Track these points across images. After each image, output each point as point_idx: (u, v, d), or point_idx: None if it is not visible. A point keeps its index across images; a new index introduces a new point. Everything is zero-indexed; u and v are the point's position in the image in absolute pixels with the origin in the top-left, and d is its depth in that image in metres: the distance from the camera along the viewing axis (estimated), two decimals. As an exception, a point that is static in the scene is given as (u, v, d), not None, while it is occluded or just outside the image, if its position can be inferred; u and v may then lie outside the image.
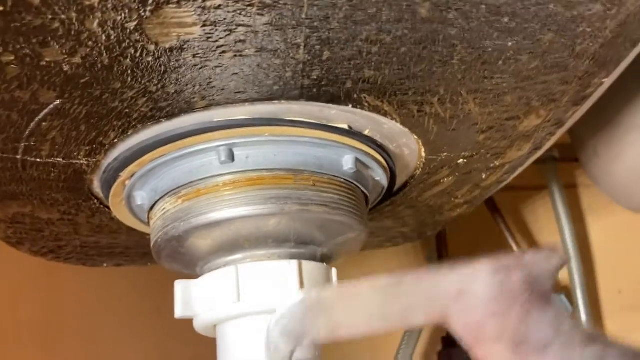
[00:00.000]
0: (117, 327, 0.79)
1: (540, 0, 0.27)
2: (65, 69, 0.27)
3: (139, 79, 0.28)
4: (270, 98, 0.31)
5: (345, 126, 0.34)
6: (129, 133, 0.32)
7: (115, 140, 0.33)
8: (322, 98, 0.31)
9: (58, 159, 0.34)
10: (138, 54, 0.26)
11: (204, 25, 0.25)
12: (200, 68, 0.28)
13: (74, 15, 0.24)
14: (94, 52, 0.26)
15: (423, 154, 0.39)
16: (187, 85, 0.29)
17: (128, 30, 0.25)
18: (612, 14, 0.28)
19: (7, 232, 0.44)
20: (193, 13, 0.25)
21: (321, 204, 0.34)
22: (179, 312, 0.35)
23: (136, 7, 0.24)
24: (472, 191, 0.48)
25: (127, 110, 0.30)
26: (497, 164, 0.43)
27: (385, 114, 0.34)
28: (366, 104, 0.32)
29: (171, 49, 0.26)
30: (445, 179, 0.44)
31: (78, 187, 0.38)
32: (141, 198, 0.36)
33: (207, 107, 0.31)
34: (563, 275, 0.90)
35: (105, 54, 0.26)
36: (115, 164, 0.34)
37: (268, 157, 0.33)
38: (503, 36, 0.29)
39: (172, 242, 0.34)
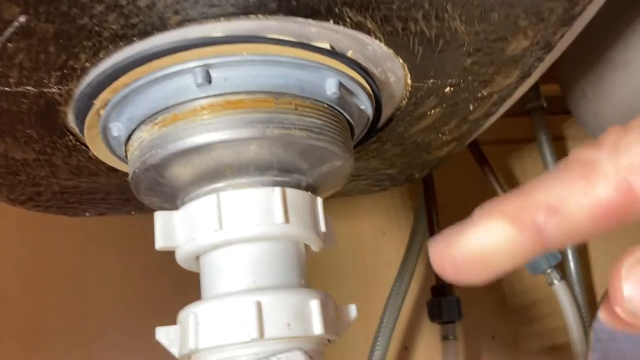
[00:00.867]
0: (104, 288, 0.78)
1: None
2: (26, -24, 0.25)
3: (107, -11, 0.26)
4: (246, 12, 0.29)
5: (327, 46, 0.33)
6: (100, 55, 0.31)
7: (87, 64, 0.31)
8: (301, 12, 0.30)
9: (28, 87, 0.33)
10: (103, -43, 0.25)
11: None
12: (171, -24, 0.26)
13: None
14: (56, -46, 0.24)
15: (409, 81, 0.38)
16: (158, -4, 0.27)
17: None
18: None
19: (-18, 176, 0.43)
20: None
21: (304, 128, 0.33)
22: (159, 243, 0.34)
23: None
24: (460, 126, 0.47)
25: (97, 28, 0.29)
26: (485, 93, 0.42)
27: (368, 32, 0.32)
28: (348, 20, 0.31)
29: (139, -48, 0.25)
30: (432, 111, 0.43)
31: (51, 120, 0.36)
32: (117, 129, 0.35)
33: (181, 24, 0.30)
34: (552, 226, 0.90)
35: (68, -43, 0.24)
36: (88, 90, 0.33)
37: (247, 79, 0.32)
38: (489, -63, 0.27)
39: (151, 171, 0.33)
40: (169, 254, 0.78)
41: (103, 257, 0.79)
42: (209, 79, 0.31)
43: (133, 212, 0.54)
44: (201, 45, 0.31)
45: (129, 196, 0.50)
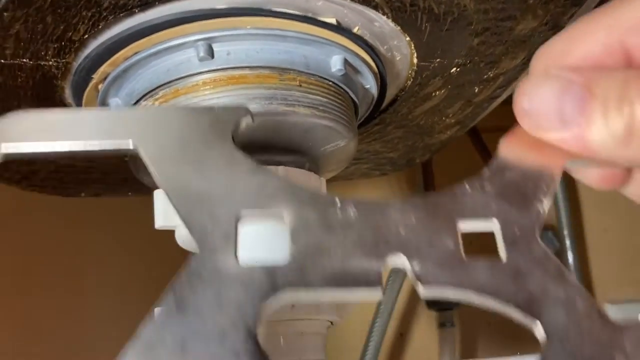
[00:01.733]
0: (100, 274, 0.77)
1: None
2: (24, -62, 0.24)
3: (108, -45, 0.25)
4: (252, -17, 0.28)
5: (334, 21, 0.32)
6: (99, 26, 0.30)
7: (86, 36, 0.30)
8: (308, -16, 0.29)
9: (24, 60, 0.32)
10: None
11: None
12: (175, -58, 0.26)
13: None
14: None
15: (415, 60, 0.37)
16: (160, -36, 0.27)
17: None
18: None
19: (-24, 153, 0.42)
20: None
21: (308, 105, 0.32)
22: (159, 222, 0.33)
23: None
24: (464, 109, 0.46)
25: (96, -3, 0.28)
26: (491, 75, 0.41)
27: (376, 7, 0.31)
28: (356, -7, 0.30)
29: None
30: (437, 92, 0.42)
31: (48, 95, 0.35)
32: (116, 105, 0.34)
33: (183, -5, 0.29)
34: (550, 214, 0.90)
35: None
36: (87, 64, 0.32)
37: (250, 54, 0.31)
38: None
39: (151, 148, 0.32)
40: (166, 239, 0.77)
41: (99, 241, 0.78)
42: (211, 53, 0.31)
43: (130, 194, 0.53)
44: (204, 17, 0.30)
45: (126, 175, 0.49)
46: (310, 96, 0.32)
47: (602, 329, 0.19)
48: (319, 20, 0.31)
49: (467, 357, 0.85)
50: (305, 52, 0.32)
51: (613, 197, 0.95)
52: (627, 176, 0.26)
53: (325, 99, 0.33)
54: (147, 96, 0.32)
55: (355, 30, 0.33)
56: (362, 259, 0.20)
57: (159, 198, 0.33)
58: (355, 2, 0.31)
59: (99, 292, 0.76)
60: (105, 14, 0.29)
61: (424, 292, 0.20)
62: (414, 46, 0.36)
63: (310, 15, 0.31)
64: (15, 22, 0.29)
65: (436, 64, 0.38)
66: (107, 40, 0.30)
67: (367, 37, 0.34)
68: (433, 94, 0.42)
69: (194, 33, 0.30)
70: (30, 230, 0.75)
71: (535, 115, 0.21)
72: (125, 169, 0.46)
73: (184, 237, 0.34)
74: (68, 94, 0.35)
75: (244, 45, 0.31)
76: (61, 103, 0.36)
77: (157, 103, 0.32)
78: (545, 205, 0.22)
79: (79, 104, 0.35)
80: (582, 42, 0.21)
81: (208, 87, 0.31)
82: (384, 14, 0.32)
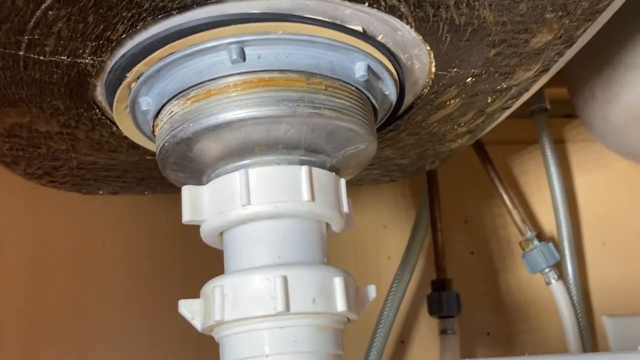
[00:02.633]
0: (107, 270, 0.78)
1: None
2: (77, -59, 0.25)
3: (154, -41, 0.27)
4: (286, -10, 0.30)
5: (360, 28, 0.33)
6: (138, 27, 0.31)
7: (123, 36, 0.32)
8: (339, -7, 0.30)
9: (62, 57, 0.33)
10: None
11: None
12: (218, -51, 0.27)
13: None
14: None
15: (433, 69, 0.39)
16: (202, -30, 0.28)
17: None
18: None
19: (3, 148, 0.43)
20: None
21: (333, 108, 0.33)
22: (186, 216, 0.34)
23: None
24: (476, 118, 0.47)
25: (137, -1, 0.29)
26: (504, 85, 0.43)
27: (400, 16, 0.33)
28: (383, 3, 0.32)
29: None
30: (452, 101, 0.43)
31: (80, 92, 0.36)
32: (146, 103, 0.35)
33: (220, 0, 0.30)
34: (550, 227, 0.91)
35: None
36: (123, 62, 0.33)
37: (280, 58, 0.32)
38: None
39: (180, 145, 0.33)
40: (174, 239, 0.78)
41: (107, 240, 0.79)
42: (243, 56, 0.32)
43: (146, 192, 0.54)
44: (238, 21, 0.31)
45: (144, 175, 0.50)
46: (335, 100, 0.34)
47: None
48: (346, 28, 0.33)
49: (466, 365, 0.85)
50: (331, 57, 0.34)
51: (612, 212, 0.97)
52: None
53: (348, 103, 0.34)
54: (179, 95, 0.34)
55: (379, 38, 0.35)
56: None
57: (187, 193, 0.34)
58: (382, 11, 0.32)
59: (106, 287, 0.77)
60: (144, 15, 0.30)
61: None
62: (434, 55, 0.37)
63: (338, 22, 0.33)
64: (58, 21, 0.30)
65: (453, 74, 0.40)
66: (144, 41, 0.32)
67: (390, 45, 0.35)
68: (448, 102, 0.44)
69: (228, 36, 0.32)
70: (41, 226, 0.76)
71: None
72: (145, 167, 0.47)
73: (209, 232, 0.35)
74: (100, 91, 0.37)
75: (274, 49, 0.32)
76: (92, 100, 0.37)
77: (188, 102, 0.33)
78: None
79: (110, 102, 0.36)
80: None
81: (239, 88, 0.32)
82: (407, 23, 0.34)
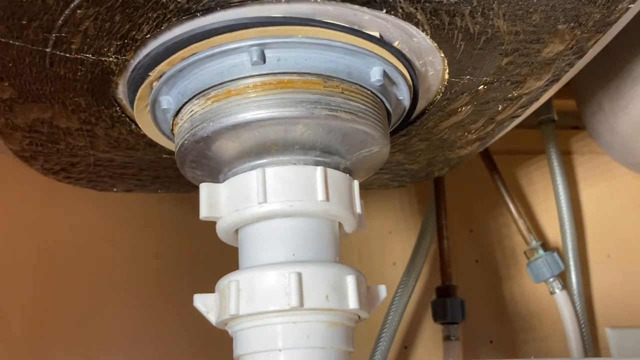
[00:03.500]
0: (115, 268, 0.79)
1: None
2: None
3: (182, -38, 0.28)
4: (307, -6, 0.31)
5: (377, 34, 0.34)
6: (162, 27, 0.32)
7: (148, 36, 0.33)
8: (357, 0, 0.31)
9: (87, 55, 0.34)
10: None
11: None
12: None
13: None
14: None
15: (446, 76, 0.39)
16: (227, -27, 0.29)
17: None
18: None
19: (23, 143, 0.44)
20: None
21: (349, 111, 0.34)
22: (204, 213, 0.35)
23: None
24: (486, 126, 0.48)
25: (164, 0, 0.30)
26: (515, 94, 0.43)
27: (417, 24, 0.34)
28: (400, 10, 0.33)
29: None
30: (463, 108, 0.44)
31: (103, 90, 0.37)
32: (167, 102, 0.36)
33: (243, 3, 0.31)
34: (555, 237, 0.92)
35: None
36: (146, 61, 0.34)
37: (299, 61, 0.33)
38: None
39: (200, 143, 0.34)
40: (181, 239, 0.79)
41: (116, 238, 0.80)
42: (263, 58, 0.33)
43: (160, 191, 0.55)
44: (260, 24, 0.32)
45: (159, 173, 0.51)
46: (351, 103, 0.34)
47: None
48: (364, 33, 0.34)
49: (469, 372, 0.86)
50: (348, 62, 0.35)
51: (617, 224, 0.97)
52: None
53: (364, 107, 0.35)
54: (200, 95, 0.35)
55: (395, 44, 0.35)
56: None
57: (205, 190, 0.35)
58: (398, 18, 0.33)
59: (114, 286, 0.78)
60: (169, 16, 0.31)
61: None
62: (447, 62, 0.38)
63: (356, 27, 0.34)
64: (86, 20, 0.31)
65: (465, 81, 0.40)
66: (167, 41, 0.33)
67: (405, 51, 0.36)
68: (459, 109, 0.44)
69: (249, 39, 0.32)
70: (50, 223, 0.77)
71: None
72: (161, 165, 0.48)
73: (225, 229, 0.36)
74: (121, 90, 0.38)
75: (294, 52, 0.33)
76: (113, 98, 0.38)
77: (209, 102, 0.34)
78: None
79: (131, 100, 0.37)
80: None
81: (258, 89, 0.33)
82: (423, 30, 0.35)
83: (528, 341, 0.91)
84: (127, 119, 0.41)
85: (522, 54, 0.38)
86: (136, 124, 0.41)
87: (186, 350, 0.77)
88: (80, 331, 0.75)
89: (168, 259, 0.82)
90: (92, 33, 0.32)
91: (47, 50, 0.33)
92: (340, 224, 0.37)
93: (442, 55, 0.37)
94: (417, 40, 0.36)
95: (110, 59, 0.34)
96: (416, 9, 0.33)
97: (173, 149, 0.40)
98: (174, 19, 0.32)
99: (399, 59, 0.36)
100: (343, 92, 0.34)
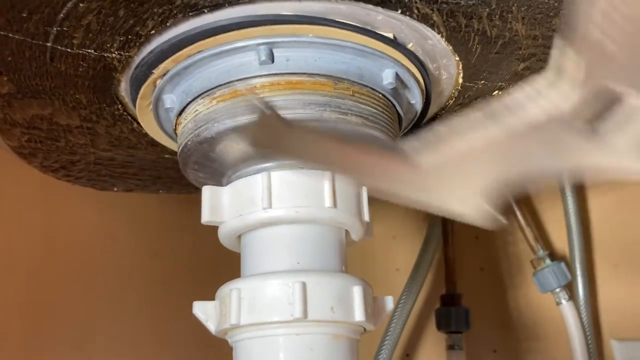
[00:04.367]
0: (115, 268, 0.78)
1: None
2: None
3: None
4: (319, -8, 0.30)
5: (390, 35, 0.33)
6: (167, 23, 0.31)
7: (152, 32, 0.32)
8: (372, -1, 0.30)
9: (89, 50, 0.33)
10: None
11: None
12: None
13: None
14: None
15: (460, 80, 0.38)
16: (237, -32, 0.28)
17: None
18: None
19: (22, 139, 0.42)
20: None
21: (359, 115, 0.33)
22: (206, 217, 0.33)
23: None
24: (498, 132, 0.47)
25: (170, -5, 0.29)
26: (530, 100, 0.42)
27: (432, 25, 0.32)
28: (415, 11, 0.31)
29: None
30: (476, 114, 0.43)
31: (104, 87, 0.36)
32: (171, 101, 0.35)
33: (251, 0, 0.30)
34: (561, 246, 0.90)
35: None
36: (150, 58, 0.33)
37: (309, 62, 0.32)
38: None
39: (203, 144, 0.33)
40: (182, 240, 0.77)
41: (115, 237, 0.79)
42: (272, 58, 0.32)
43: (161, 191, 0.54)
44: (268, 22, 0.31)
45: (160, 173, 0.50)
46: (362, 106, 0.33)
47: None
48: (377, 34, 0.32)
49: (472, 382, 0.84)
50: (360, 63, 0.33)
51: (625, 235, 0.96)
52: None
53: (375, 110, 0.34)
54: (205, 94, 0.33)
55: (409, 46, 0.34)
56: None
57: (207, 193, 0.34)
58: (414, 19, 0.32)
59: (113, 286, 0.76)
60: (175, 12, 0.30)
61: None
62: (462, 67, 0.37)
63: (369, 28, 0.32)
64: (88, 14, 0.30)
65: (480, 86, 0.39)
66: (172, 37, 0.31)
67: (419, 53, 0.35)
68: (472, 115, 0.43)
69: (258, 37, 0.31)
70: (51, 221, 0.76)
71: None
72: (162, 166, 0.47)
73: (227, 234, 0.34)
74: (124, 87, 0.36)
75: (303, 52, 0.32)
76: (115, 95, 0.37)
77: (214, 102, 0.33)
78: None
79: (134, 97, 0.36)
80: None
81: (266, 90, 0.32)
82: (439, 32, 0.33)
83: (532, 351, 0.90)
84: (129, 118, 0.40)
85: (540, 59, 0.37)
86: (138, 123, 0.40)
87: (185, 351, 0.76)
88: (78, 331, 0.74)
89: (168, 260, 0.80)
90: (94, 28, 0.31)
91: (48, 44, 0.32)
92: (347, 231, 0.35)
93: (457, 58, 0.36)
94: (431, 43, 0.34)
95: (113, 55, 0.33)
96: (432, 10, 0.31)
97: (175, 149, 0.39)
98: (180, 15, 0.30)
99: (412, 62, 0.35)
100: (354, 95, 0.33)
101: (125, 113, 0.39)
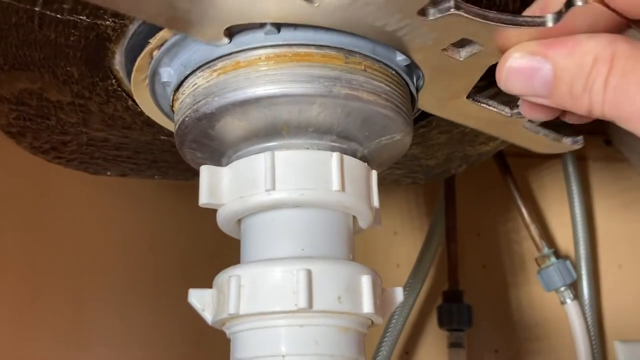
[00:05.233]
0: (108, 260, 0.75)
1: None
2: None
3: None
4: (332, -45, 0.27)
5: (406, 6, 0.30)
6: (166, -13, 0.28)
7: (149, -3, 0.29)
8: (389, -37, 0.28)
9: (81, 17, 0.30)
10: None
11: None
12: None
13: None
14: None
15: (477, 60, 0.36)
16: None
17: None
18: None
19: (10, 116, 0.40)
20: None
21: (372, 91, 0.31)
22: (204, 199, 0.31)
23: None
24: (512, 119, 0.45)
25: (169, -45, 0.27)
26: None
27: (452, -4, 0.30)
28: (435, -21, 0.29)
29: None
30: (491, 98, 0.41)
31: (97, 59, 0.34)
32: (168, 75, 0.32)
33: (258, -38, 0.27)
34: (566, 244, 0.89)
35: None
36: (146, 27, 0.30)
37: (318, 32, 0.30)
38: None
39: (202, 121, 0.31)
40: (178, 231, 0.75)
41: (111, 228, 0.76)
42: (277, 27, 0.29)
43: (157, 177, 0.51)
44: (276, -12, 0.28)
45: (156, 157, 0.47)
46: (374, 82, 0.31)
47: None
48: (392, 4, 0.30)
49: (473, 381, 0.83)
50: (373, 36, 0.31)
51: (630, 234, 0.94)
52: None
53: (388, 88, 0.31)
54: (204, 67, 0.31)
55: (426, 19, 0.32)
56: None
57: (206, 173, 0.31)
58: (432, -11, 0.29)
59: (106, 278, 0.74)
60: (175, -26, 0.28)
61: None
62: (480, 44, 0.34)
63: (384, -3, 0.30)
64: (79, -26, 0.27)
65: (497, 67, 0.37)
66: (172, 3, 0.29)
67: (436, 28, 0.33)
68: (487, 99, 0.41)
69: (263, 3, 0.29)
70: (42, 210, 0.74)
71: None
72: (158, 148, 0.45)
73: (226, 218, 0.32)
74: (118, 59, 0.34)
75: (313, 21, 0.29)
76: (108, 69, 0.35)
77: (214, 75, 0.30)
78: None
79: (129, 70, 0.34)
80: None
81: (270, 62, 0.30)
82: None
83: (534, 352, 0.88)
84: (124, 94, 0.37)
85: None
86: (133, 100, 0.37)
87: (179, 345, 0.74)
88: (70, 323, 0.72)
89: (163, 251, 0.78)
90: (86, -10, 0.28)
91: (36, 9, 0.30)
92: (354, 218, 0.33)
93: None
94: (449, 17, 0.32)
95: (107, 22, 0.31)
96: (452, -22, 0.29)
97: (172, 130, 0.36)
98: (179, -22, 0.28)
99: (428, 37, 0.32)
100: (366, 70, 0.31)
101: (119, 89, 0.37)
